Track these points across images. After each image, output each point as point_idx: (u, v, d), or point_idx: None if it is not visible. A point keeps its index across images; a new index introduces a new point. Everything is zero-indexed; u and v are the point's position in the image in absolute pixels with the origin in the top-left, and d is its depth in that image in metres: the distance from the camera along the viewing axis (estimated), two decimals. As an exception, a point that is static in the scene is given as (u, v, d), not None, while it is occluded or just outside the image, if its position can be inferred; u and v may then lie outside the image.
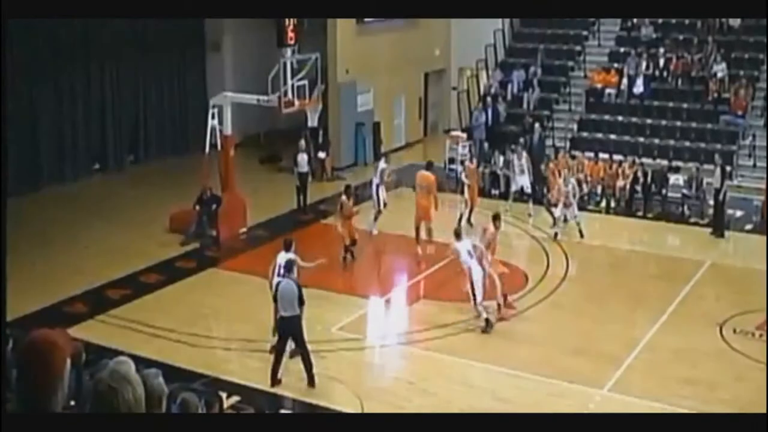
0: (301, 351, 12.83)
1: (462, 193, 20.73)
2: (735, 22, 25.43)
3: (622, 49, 26.28)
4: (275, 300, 12.77)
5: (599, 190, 22.06)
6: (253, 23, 24.53)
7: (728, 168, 20.81)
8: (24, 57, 21.84)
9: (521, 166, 21.10)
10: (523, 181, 21.04)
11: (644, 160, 22.61)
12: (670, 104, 24.44)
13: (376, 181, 19.71)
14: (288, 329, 12.71)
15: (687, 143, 23.29)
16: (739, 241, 20.04)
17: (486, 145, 24.68)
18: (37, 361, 3.14)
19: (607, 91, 25.30)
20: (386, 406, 12.30)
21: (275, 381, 12.89)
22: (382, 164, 20.21)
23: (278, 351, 12.89)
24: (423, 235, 18.00)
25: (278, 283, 12.89)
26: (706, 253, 18.60)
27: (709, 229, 19.86)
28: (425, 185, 18.34)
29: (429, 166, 19.05)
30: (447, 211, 19.98)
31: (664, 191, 21.66)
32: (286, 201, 21.62)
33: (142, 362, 5.81)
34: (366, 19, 25.38)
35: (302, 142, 22.18)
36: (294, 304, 12.55)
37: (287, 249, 13.93)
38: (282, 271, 13.48)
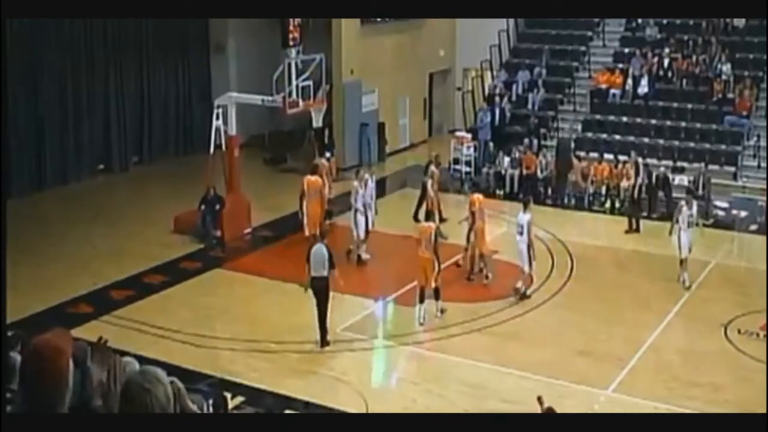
0: (320, 309, 13.73)
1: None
2: (739, 23, 25.39)
3: (626, 50, 26.26)
4: (308, 260, 13.74)
5: (604, 190, 22.04)
6: (258, 24, 24.56)
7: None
8: (28, 57, 21.89)
9: (689, 218, 16.65)
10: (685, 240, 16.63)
11: (649, 160, 22.57)
12: (675, 105, 24.41)
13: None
14: (316, 289, 13.70)
15: (691, 144, 23.26)
16: (743, 242, 20.02)
17: (491, 145, 24.70)
18: (43, 367, 3.16)
19: (612, 91, 25.28)
20: (391, 406, 12.31)
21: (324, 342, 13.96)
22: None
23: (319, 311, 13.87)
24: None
25: (311, 246, 14.01)
26: (710, 253, 18.56)
27: (709, 229, 19.86)
28: None
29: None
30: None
31: (668, 192, 21.62)
32: (290, 201, 21.62)
33: (147, 363, 5.82)
34: (371, 20, 25.38)
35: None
36: (324, 265, 13.52)
37: (525, 209, 15.83)
38: (523, 230, 15.56)
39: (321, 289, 13.71)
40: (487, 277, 16.83)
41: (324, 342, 13.95)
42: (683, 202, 17.13)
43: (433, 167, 19.76)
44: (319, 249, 13.71)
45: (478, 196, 17.10)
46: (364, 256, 17.89)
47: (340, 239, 17.92)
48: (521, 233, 15.86)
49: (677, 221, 16.66)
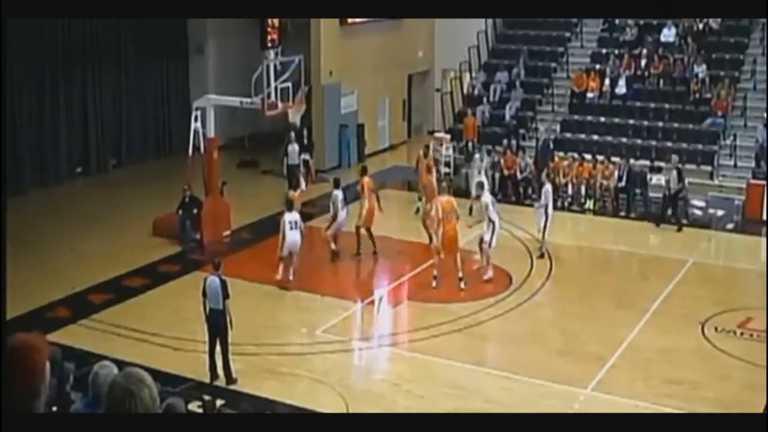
0: (222, 347, 12.97)
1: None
2: (715, 23, 25.56)
3: (604, 50, 26.40)
4: (204, 294, 13.08)
5: (583, 190, 22.13)
6: (237, 25, 24.48)
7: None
8: (5, 60, 21.69)
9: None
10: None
11: (626, 160, 22.67)
12: (652, 105, 24.58)
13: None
14: (213, 322, 12.98)
15: (669, 143, 23.43)
16: (720, 241, 20.20)
17: (470, 145, 24.77)
18: (18, 365, 3.15)
19: (590, 92, 25.39)
20: (372, 408, 12.29)
21: (214, 375, 13.05)
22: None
23: (210, 345, 13.06)
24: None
25: (206, 278, 13.28)
26: (688, 252, 18.71)
27: (687, 228, 20.22)
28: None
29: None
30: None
31: (645, 191, 21.77)
32: (270, 204, 21.57)
33: (126, 367, 5.79)
34: (350, 21, 25.37)
35: (291, 134, 22.21)
36: (218, 298, 12.86)
37: (290, 209, 16.36)
38: (294, 226, 16.13)
39: (218, 322, 12.92)
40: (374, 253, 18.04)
41: (230, 380, 13.01)
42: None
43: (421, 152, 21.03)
44: (213, 281, 13.02)
45: (366, 180, 18.64)
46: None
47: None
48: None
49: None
